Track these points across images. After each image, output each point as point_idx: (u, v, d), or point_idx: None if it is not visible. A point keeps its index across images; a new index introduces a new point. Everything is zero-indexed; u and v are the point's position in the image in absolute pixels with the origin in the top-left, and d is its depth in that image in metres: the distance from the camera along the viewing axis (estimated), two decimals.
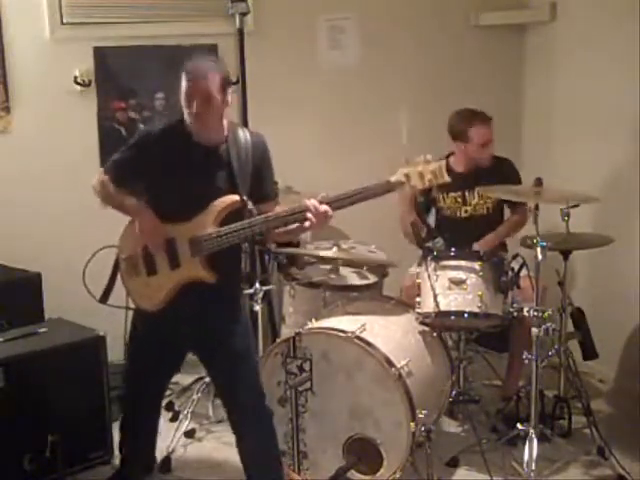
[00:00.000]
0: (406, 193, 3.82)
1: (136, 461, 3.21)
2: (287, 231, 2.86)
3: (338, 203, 2.75)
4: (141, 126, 4.39)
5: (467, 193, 4.03)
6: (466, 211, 4.05)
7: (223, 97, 2.78)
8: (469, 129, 3.93)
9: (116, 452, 3.43)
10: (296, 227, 2.82)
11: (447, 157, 4.04)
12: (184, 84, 2.75)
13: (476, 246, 3.89)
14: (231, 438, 3.07)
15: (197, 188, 2.81)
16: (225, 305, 2.94)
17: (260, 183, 2.90)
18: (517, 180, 3.99)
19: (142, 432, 3.19)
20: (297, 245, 4.07)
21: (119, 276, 3.01)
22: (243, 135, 2.90)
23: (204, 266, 2.81)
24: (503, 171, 3.99)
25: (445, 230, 3.96)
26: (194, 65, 2.78)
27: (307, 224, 2.74)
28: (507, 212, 4.15)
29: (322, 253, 3.82)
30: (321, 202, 2.73)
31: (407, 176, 2.66)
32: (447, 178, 2.69)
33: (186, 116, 2.80)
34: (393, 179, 2.69)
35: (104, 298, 3.03)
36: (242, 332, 2.97)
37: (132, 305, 3.02)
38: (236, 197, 2.81)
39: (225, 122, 2.88)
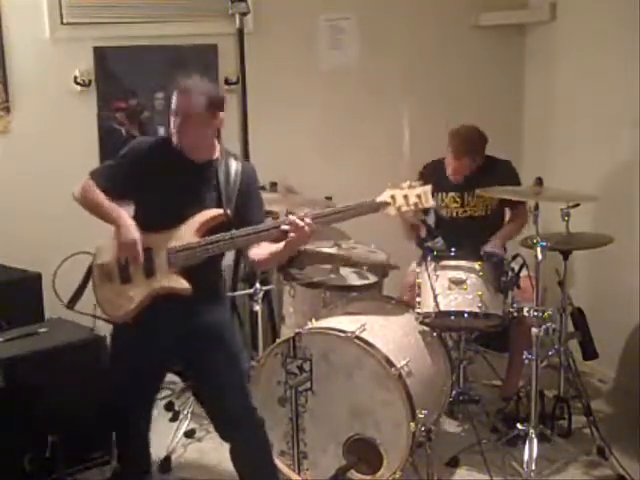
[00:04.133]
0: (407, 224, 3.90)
1: (131, 467, 3.20)
2: (272, 254, 2.79)
3: (322, 219, 2.72)
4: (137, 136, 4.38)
5: (466, 194, 4.03)
6: (465, 212, 4.05)
7: (210, 118, 2.78)
8: (448, 145, 3.98)
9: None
10: (282, 248, 2.75)
11: (445, 158, 4.07)
12: (173, 100, 2.78)
13: (488, 247, 3.84)
14: None
15: (181, 201, 2.80)
16: (204, 317, 2.87)
17: (247, 210, 2.85)
18: (515, 181, 3.98)
19: (133, 441, 3.14)
20: None
21: (90, 283, 2.96)
22: (234, 162, 2.90)
23: (179, 278, 2.77)
24: (501, 173, 3.99)
25: (444, 231, 3.97)
26: (184, 82, 2.79)
27: (288, 239, 2.69)
28: (508, 213, 4.15)
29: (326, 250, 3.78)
30: (303, 218, 2.68)
31: (393, 197, 2.68)
32: (432, 203, 2.72)
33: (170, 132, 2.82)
34: (379, 199, 2.70)
35: (71, 304, 2.98)
36: (226, 341, 2.91)
37: (99, 313, 2.95)
38: (220, 210, 2.79)
39: (217, 145, 2.89)
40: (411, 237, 3.92)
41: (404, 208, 2.69)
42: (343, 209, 2.72)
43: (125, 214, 2.85)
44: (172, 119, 2.79)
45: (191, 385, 3.14)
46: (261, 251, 2.80)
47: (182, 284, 2.76)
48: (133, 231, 2.80)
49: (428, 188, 2.71)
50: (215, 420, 2.99)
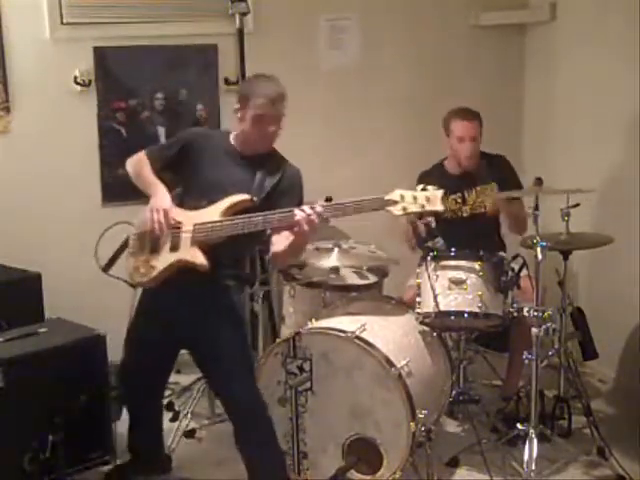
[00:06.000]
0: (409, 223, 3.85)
1: (145, 461, 3.23)
2: (288, 245, 2.86)
3: (332, 211, 2.77)
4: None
5: (466, 193, 4.04)
6: (466, 211, 4.05)
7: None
8: (451, 122, 3.98)
9: (116, 452, 3.46)
10: (294, 239, 2.81)
11: (443, 160, 4.07)
12: (258, 104, 2.91)
13: None
14: (231, 438, 3.08)
15: (219, 184, 2.93)
16: (218, 301, 2.98)
17: (279, 203, 2.91)
18: (512, 174, 4.01)
19: (144, 431, 3.20)
20: None
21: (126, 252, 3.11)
22: (279, 161, 3.05)
23: (199, 253, 2.86)
24: (497, 167, 4.00)
25: (444, 230, 3.96)
26: (270, 86, 2.94)
27: (296, 228, 2.75)
28: None
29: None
30: (314, 207, 2.75)
31: (402, 196, 2.71)
32: (440, 207, 2.72)
33: (240, 132, 3.00)
34: (387, 197, 2.72)
35: (107, 267, 3.14)
36: (235, 332, 3.00)
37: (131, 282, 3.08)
38: (246, 195, 2.89)
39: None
40: (408, 239, 3.89)
41: (411, 208, 2.69)
42: (349, 203, 2.76)
43: (162, 187, 3.01)
44: (259, 125, 2.93)
45: (203, 375, 3.24)
46: (279, 240, 2.90)
47: (199, 259, 2.86)
48: (166, 200, 2.96)
49: (439, 193, 2.71)
50: (226, 410, 3.07)
